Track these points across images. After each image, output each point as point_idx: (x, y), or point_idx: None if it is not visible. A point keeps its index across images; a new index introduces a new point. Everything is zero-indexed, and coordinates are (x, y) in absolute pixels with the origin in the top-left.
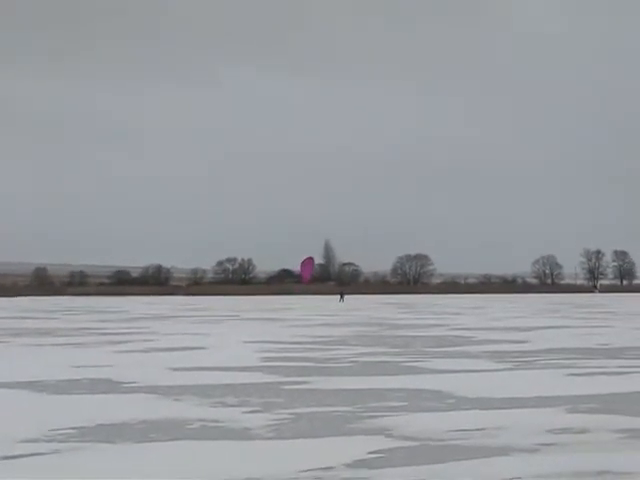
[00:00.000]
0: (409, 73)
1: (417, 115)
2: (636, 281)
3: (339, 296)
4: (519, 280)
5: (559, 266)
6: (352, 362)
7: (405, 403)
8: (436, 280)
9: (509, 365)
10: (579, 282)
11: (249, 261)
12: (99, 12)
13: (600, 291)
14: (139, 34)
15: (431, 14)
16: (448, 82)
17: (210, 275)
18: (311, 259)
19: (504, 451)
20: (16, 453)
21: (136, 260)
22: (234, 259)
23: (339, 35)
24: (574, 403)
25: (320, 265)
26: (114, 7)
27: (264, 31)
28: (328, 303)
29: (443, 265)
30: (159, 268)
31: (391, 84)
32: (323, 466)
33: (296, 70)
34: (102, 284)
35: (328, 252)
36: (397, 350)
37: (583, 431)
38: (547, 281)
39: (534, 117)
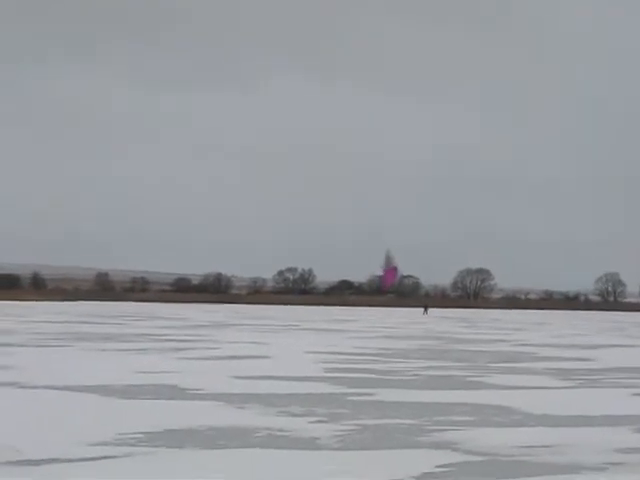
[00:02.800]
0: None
1: (472, 125)
2: None
3: (423, 308)
4: (581, 297)
5: (622, 284)
6: (415, 375)
7: (470, 418)
8: (496, 295)
9: (574, 383)
10: None
11: (309, 271)
12: (140, 14)
13: None
14: (184, 36)
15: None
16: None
17: (270, 284)
18: (396, 268)
19: (573, 469)
20: (89, 456)
21: (197, 268)
22: (294, 269)
23: (384, 41)
24: None
25: (380, 277)
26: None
27: (307, 36)
28: (388, 315)
29: (504, 280)
30: (219, 276)
31: (448, 95)
32: (391, 478)
33: (345, 78)
34: (163, 291)
35: (388, 264)
36: (460, 365)
37: None
38: (610, 299)
39: (587, 132)
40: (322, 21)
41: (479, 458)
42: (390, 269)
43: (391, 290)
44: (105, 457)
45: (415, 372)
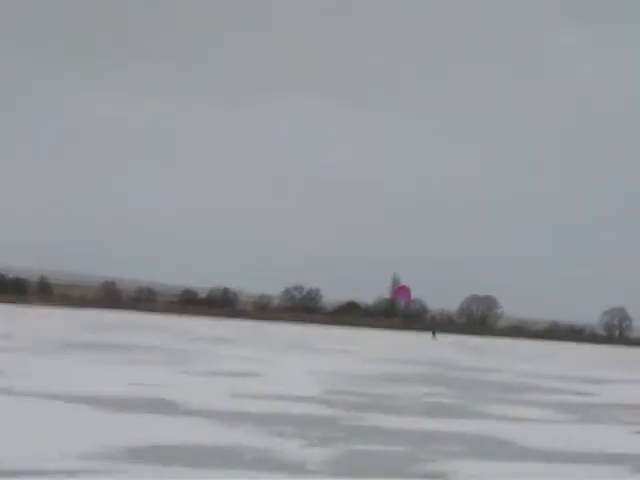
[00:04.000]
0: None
1: (471, 156)
2: None
3: (431, 333)
4: (587, 330)
5: (629, 318)
6: (414, 402)
7: (465, 449)
8: (503, 323)
9: (575, 417)
10: None
11: (316, 290)
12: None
13: None
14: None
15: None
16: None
17: (276, 301)
18: (405, 286)
19: None
20: (68, 468)
21: (204, 280)
22: (301, 287)
23: (388, 65)
24: None
25: (386, 300)
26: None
27: (316, 57)
28: (394, 339)
29: (510, 308)
30: (226, 290)
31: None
32: None
33: (352, 101)
34: (170, 302)
35: (395, 286)
36: (460, 393)
37: None
38: (615, 333)
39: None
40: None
41: None
42: (401, 287)
43: (399, 312)
44: (84, 471)
45: (414, 399)
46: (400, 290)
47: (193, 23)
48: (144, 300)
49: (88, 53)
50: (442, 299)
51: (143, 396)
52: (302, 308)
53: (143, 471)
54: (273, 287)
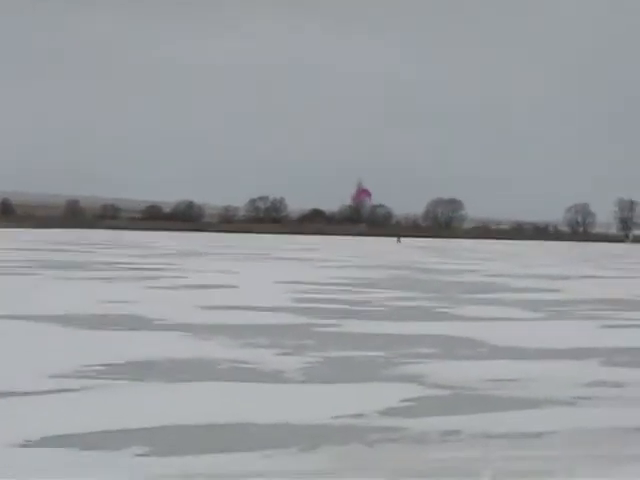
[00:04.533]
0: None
1: (428, 58)
2: None
3: (396, 238)
4: (551, 228)
5: (592, 215)
6: (384, 306)
7: (438, 350)
8: (467, 225)
9: (542, 314)
10: (611, 232)
11: (281, 200)
12: None
13: (632, 241)
14: None
15: None
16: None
17: (242, 213)
18: (366, 189)
19: (538, 403)
20: (45, 388)
21: (168, 195)
22: (266, 197)
23: None
24: (608, 356)
25: (350, 207)
26: None
27: None
28: (360, 244)
29: (475, 210)
30: (191, 204)
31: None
32: (354, 413)
33: (314, 19)
34: (134, 219)
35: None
36: (430, 295)
37: (618, 385)
38: (579, 229)
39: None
40: None
41: (445, 392)
42: (362, 190)
43: (364, 218)
44: (62, 390)
45: (383, 303)
46: (361, 193)
47: None
48: (109, 217)
49: None
50: (408, 204)
51: (115, 313)
52: (268, 218)
53: (119, 388)
54: (238, 199)
